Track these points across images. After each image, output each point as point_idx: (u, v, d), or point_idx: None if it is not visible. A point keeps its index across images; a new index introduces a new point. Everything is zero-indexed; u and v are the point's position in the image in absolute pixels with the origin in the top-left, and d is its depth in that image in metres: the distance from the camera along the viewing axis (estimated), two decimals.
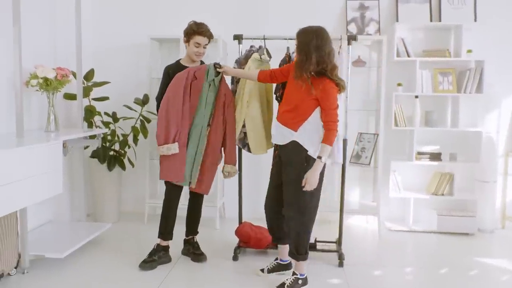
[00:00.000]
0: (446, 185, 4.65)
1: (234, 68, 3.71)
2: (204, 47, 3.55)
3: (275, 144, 3.41)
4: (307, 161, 3.09)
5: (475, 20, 4.62)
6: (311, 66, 2.98)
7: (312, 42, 2.98)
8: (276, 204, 3.34)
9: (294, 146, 3.11)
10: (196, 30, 3.49)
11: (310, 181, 3.06)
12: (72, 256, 3.68)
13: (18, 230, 3.35)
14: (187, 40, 3.54)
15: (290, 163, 3.16)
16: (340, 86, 3.07)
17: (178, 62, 3.66)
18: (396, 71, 4.77)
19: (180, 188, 3.63)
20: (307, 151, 3.09)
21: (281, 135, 3.18)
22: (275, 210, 3.36)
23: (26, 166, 2.90)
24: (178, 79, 3.45)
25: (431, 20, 4.68)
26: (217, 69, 3.51)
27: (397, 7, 4.69)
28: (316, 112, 3.09)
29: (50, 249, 3.52)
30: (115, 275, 3.43)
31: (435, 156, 4.66)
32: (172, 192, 3.61)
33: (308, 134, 3.09)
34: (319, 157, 3.05)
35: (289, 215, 3.20)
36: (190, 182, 3.57)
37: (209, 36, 3.54)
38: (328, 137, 3.04)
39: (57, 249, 3.50)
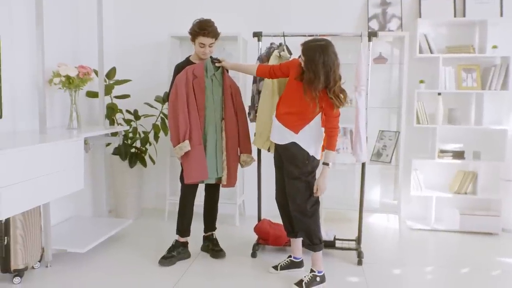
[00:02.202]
0: (470, 184, 4.57)
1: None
2: (210, 46, 3.48)
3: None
4: (308, 159, 3.18)
5: (501, 15, 4.51)
6: (319, 85, 3.01)
7: (320, 59, 2.98)
8: (285, 197, 3.36)
9: (294, 147, 3.18)
10: (198, 32, 3.43)
11: (321, 188, 3.21)
12: (93, 251, 3.74)
13: (41, 225, 3.42)
14: (192, 40, 3.51)
15: (291, 162, 3.22)
16: (335, 105, 3.08)
17: (187, 59, 3.65)
18: (419, 68, 4.70)
19: (196, 185, 3.65)
20: (308, 152, 3.18)
21: (281, 135, 3.24)
22: (286, 202, 3.38)
23: (49, 162, 2.96)
24: (179, 80, 3.44)
25: (455, 16, 4.59)
26: (216, 64, 3.52)
27: (420, 2, 4.61)
28: (318, 116, 3.17)
29: (72, 244, 3.59)
30: (134, 270, 3.48)
31: (458, 154, 4.58)
32: (188, 189, 3.63)
33: (308, 136, 3.18)
34: (326, 164, 3.18)
35: (294, 209, 3.27)
36: (216, 179, 3.61)
37: (214, 36, 3.45)
38: (332, 143, 3.16)
39: (79, 244, 3.57)
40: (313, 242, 3.26)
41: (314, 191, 3.20)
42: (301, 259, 3.55)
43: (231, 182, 3.63)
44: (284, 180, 3.33)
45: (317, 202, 3.27)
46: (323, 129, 3.24)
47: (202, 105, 3.48)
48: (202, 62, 3.51)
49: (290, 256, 3.57)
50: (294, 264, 3.54)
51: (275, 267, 3.52)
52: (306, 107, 3.09)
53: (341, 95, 3.08)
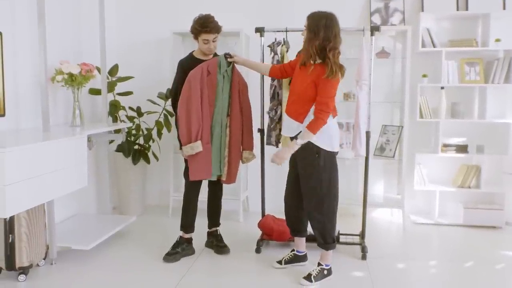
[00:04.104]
0: (473, 177, 4.56)
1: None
2: (214, 41, 3.48)
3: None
4: (318, 152, 3.12)
5: (504, 8, 4.48)
6: (317, 41, 3.01)
7: (322, 21, 3.02)
8: (295, 197, 3.36)
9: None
10: (200, 29, 3.42)
11: (279, 155, 3.15)
12: (98, 248, 3.75)
13: (45, 223, 3.43)
14: (195, 38, 3.51)
15: (302, 157, 3.19)
16: (328, 69, 2.99)
17: (191, 54, 3.65)
18: (421, 62, 4.68)
19: (200, 181, 3.66)
20: (317, 146, 3.11)
21: (289, 127, 3.23)
22: (294, 203, 3.39)
23: (52, 160, 2.97)
24: (193, 76, 3.42)
25: (457, 9, 4.57)
26: (228, 59, 3.51)
27: None
28: None
29: (77, 241, 3.60)
30: (139, 267, 3.49)
31: (462, 148, 4.57)
32: (192, 186, 3.64)
33: None
34: (296, 138, 3.11)
35: (309, 208, 3.24)
36: (218, 175, 3.62)
37: (216, 31, 3.45)
38: (314, 124, 3.03)
39: (83, 241, 3.58)
40: (327, 241, 3.26)
41: (271, 160, 3.17)
42: (304, 253, 3.56)
43: (232, 178, 3.64)
44: (295, 181, 3.33)
45: (333, 199, 3.22)
46: (333, 120, 3.17)
47: (212, 102, 3.48)
48: (216, 58, 3.51)
49: (293, 250, 3.58)
50: (298, 258, 3.55)
51: (279, 262, 3.53)
52: (305, 87, 3.07)
53: (334, 67, 3.01)
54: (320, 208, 3.19)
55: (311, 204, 3.22)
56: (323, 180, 3.16)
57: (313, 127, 3.03)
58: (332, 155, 3.18)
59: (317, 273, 3.24)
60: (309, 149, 3.13)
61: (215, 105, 3.50)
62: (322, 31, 3.00)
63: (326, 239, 3.26)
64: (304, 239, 3.54)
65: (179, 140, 3.58)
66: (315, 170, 3.15)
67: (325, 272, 3.27)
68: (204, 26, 3.41)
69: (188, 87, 3.41)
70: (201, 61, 3.54)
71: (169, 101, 4.57)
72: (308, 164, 3.17)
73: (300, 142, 3.08)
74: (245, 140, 3.66)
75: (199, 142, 3.41)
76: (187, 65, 3.53)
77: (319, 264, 3.30)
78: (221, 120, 3.54)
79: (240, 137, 3.62)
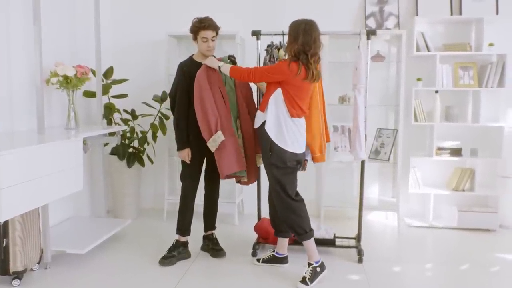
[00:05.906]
0: (467, 180, 4.58)
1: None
2: (213, 40, 3.50)
3: None
4: (271, 148, 3.20)
5: (497, 13, 4.53)
6: (296, 46, 3.09)
7: (301, 26, 3.13)
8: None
9: (262, 130, 3.21)
10: (199, 26, 3.45)
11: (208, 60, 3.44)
12: (93, 252, 3.72)
13: (40, 226, 3.39)
14: (195, 38, 3.52)
15: (261, 149, 3.32)
16: (306, 72, 3.10)
17: (191, 58, 3.64)
18: (416, 66, 4.71)
19: (196, 184, 3.65)
20: (272, 140, 3.18)
21: (257, 118, 3.33)
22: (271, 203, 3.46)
23: (47, 163, 2.93)
24: (200, 76, 3.42)
25: (451, 14, 4.61)
26: (233, 61, 3.54)
27: (417, 0, 4.63)
28: (278, 94, 3.16)
29: (71, 245, 3.57)
30: (134, 271, 3.46)
31: (456, 152, 4.60)
32: (189, 188, 3.63)
33: (271, 116, 3.18)
34: (219, 66, 3.37)
35: (275, 201, 3.34)
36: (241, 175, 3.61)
37: (214, 28, 3.49)
38: (236, 67, 3.31)
39: (78, 245, 3.55)
40: (297, 232, 3.29)
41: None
42: (284, 256, 3.59)
43: (253, 178, 3.67)
44: None
45: (288, 197, 3.25)
46: (292, 119, 3.20)
47: (225, 94, 3.49)
48: (220, 59, 3.52)
49: (273, 251, 3.62)
50: (276, 259, 3.58)
51: (258, 260, 3.61)
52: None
53: (310, 71, 3.11)
54: (280, 202, 3.29)
55: (274, 197, 3.32)
56: (275, 179, 3.26)
57: (234, 68, 3.30)
58: (282, 155, 3.19)
59: (310, 274, 3.24)
60: (264, 140, 3.22)
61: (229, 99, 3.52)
62: (301, 35, 3.09)
63: (296, 230, 3.28)
64: (286, 240, 3.59)
65: (177, 142, 3.57)
66: (268, 167, 3.27)
67: (318, 269, 3.26)
68: (202, 22, 3.45)
69: (198, 87, 3.41)
70: (201, 64, 3.53)
71: (165, 104, 4.57)
72: (264, 158, 3.29)
73: (221, 65, 3.34)
74: (258, 143, 3.62)
75: (219, 132, 3.37)
76: (187, 68, 3.53)
77: (309, 264, 3.30)
78: (234, 120, 3.54)
79: (252, 136, 3.58)
